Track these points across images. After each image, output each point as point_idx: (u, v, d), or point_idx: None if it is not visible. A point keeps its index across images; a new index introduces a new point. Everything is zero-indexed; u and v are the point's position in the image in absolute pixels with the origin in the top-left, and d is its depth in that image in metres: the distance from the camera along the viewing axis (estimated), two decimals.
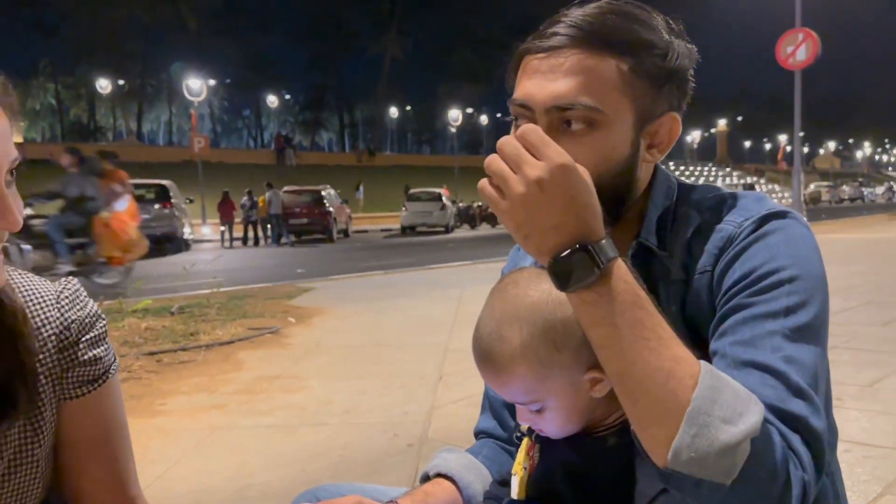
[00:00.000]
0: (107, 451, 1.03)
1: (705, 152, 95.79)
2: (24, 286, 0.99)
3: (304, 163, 48.79)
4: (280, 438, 3.19)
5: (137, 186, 18.82)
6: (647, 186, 1.03)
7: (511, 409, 1.22)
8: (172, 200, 18.36)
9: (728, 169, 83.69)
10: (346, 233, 24.26)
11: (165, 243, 17.86)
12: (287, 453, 2.99)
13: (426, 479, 1.15)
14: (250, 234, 21.88)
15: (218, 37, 64.07)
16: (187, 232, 19.42)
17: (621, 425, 0.96)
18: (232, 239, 21.63)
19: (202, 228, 24.91)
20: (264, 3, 79.58)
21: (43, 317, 0.98)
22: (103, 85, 56.33)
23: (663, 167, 1.05)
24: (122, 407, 1.06)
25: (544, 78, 0.93)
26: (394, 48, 71.85)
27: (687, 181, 1.08)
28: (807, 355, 0.83)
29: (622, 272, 0.81)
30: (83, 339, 1.00)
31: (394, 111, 73.83)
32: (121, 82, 59.78)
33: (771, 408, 0.79)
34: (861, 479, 2.50)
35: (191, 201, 22.37)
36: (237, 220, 21.86)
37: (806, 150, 78.77)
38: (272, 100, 71.56)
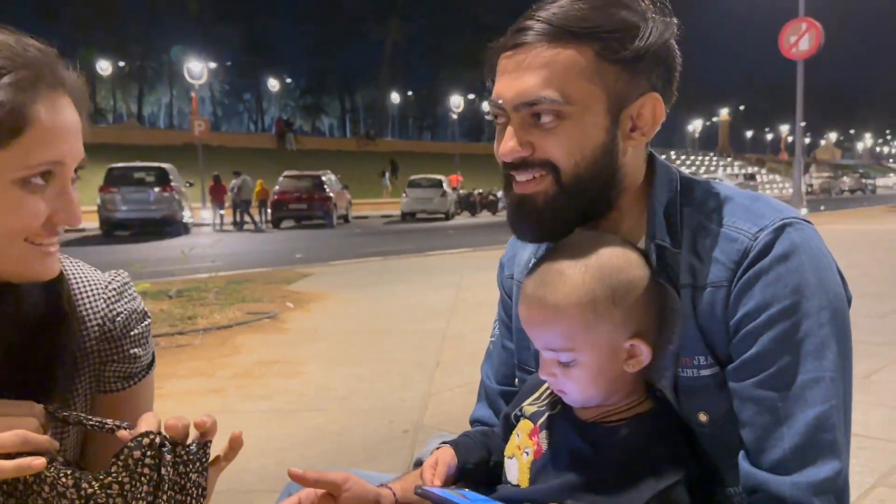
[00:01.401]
0: None
1: (707, 141, 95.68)
2: (74, 274, 1.00)
3: (305, 148, 48.67)
4: (277, 423, 3.21)
5: (138, 169, 18.91)
6: (647, 180, 1.01)
7: (508, 398, 1.21)
8: (172, 184, 18.33)
9: (729, 159, 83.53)
10: (346, 218, 24.24)
11: (165, 226, 17.88)
12: (284, 438, 3.00)
13: (418, 464, 1.15)
14: (238, 217, 22.07)
15: (219, 19, 63.80)
16: (187, 215, 19.40)
17: (634, 416, 0.96)
18: (222, 223, 21.72)
19: (202, 212, 24.87)
20: None
21: (89, 307, 0.99)
22: (104, 67, 56.06)
23: (662, 159, 1.04)
24: (152, 405, 1.07)
25: (511, 76, 0.94)
26: (396, 33, 71.48)
27: (686, 173, 1.06)
28: (828, 406, 0.86)
29: None
30: (128, 334, 1.01)
31: (395, 97, 73.57)
32: (121, 64, 59.53)
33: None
34: (854, 469, 2.51)
35: (191, 185, 22.33)
36: (227, 203, 21.99)
37: (807, 140, 78.61)
38: (273, 83, 71.27)
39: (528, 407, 1.07)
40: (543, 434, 1.01)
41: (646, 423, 0.96)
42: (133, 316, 1.02)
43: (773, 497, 0.85)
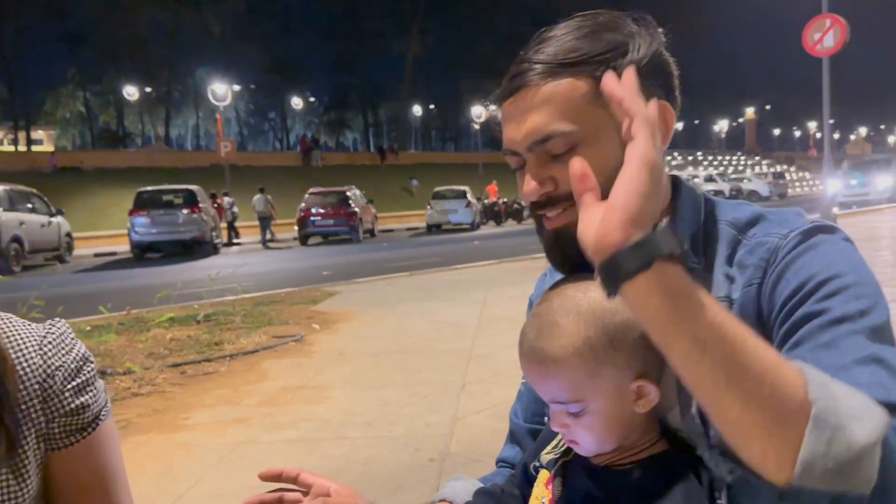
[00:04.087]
0: (101, 498, 0.99)
1: (733, 141, 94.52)
2: (5, 330, 0.96)
3: (329, 163, 49.04)
4: (302, 453, 3.18)
5: (166, 192, 19.23)
6: (671, 200, 1.00)
7: (536, 436, 1.19)
8: (200, 205, 18.58)
9: (757, 158, 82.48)
10: (372, 232, 24.36)
11: (194, 248, 18.10)
12: (308, 469, 2.97)
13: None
14: (236, 236, 22.92)
15: (242, 41, 64.69)
16: (215, 236, 19.65)
17: (647, 458, 0.94)
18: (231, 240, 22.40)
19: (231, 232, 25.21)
20: (286, 6, 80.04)
21: (25, 364, 0.94)
22: (130, 92, 57.17)
23: (688, 182, 1.03)
24: (118, 452, 1.02)
25: (517, 121, 0.95)
26: (416, 46, 71.92)
27: (711, 196, 1.04)
28: (891, 353, 0.79)
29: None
30: (68, 386, 0.96)
31: (417, 109, 73.94)
32: (148, 89, 60.64)
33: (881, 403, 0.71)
34: None
35: (219, 206, 22.66)
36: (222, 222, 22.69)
37: (837, 136, 77.43)
38: (297, 102, 72.08)
39: (545, 456, 1.06)
40: (557, 481, 0.99)
41: (659, 465, 0.93)
42: (72, 366, 0.97)
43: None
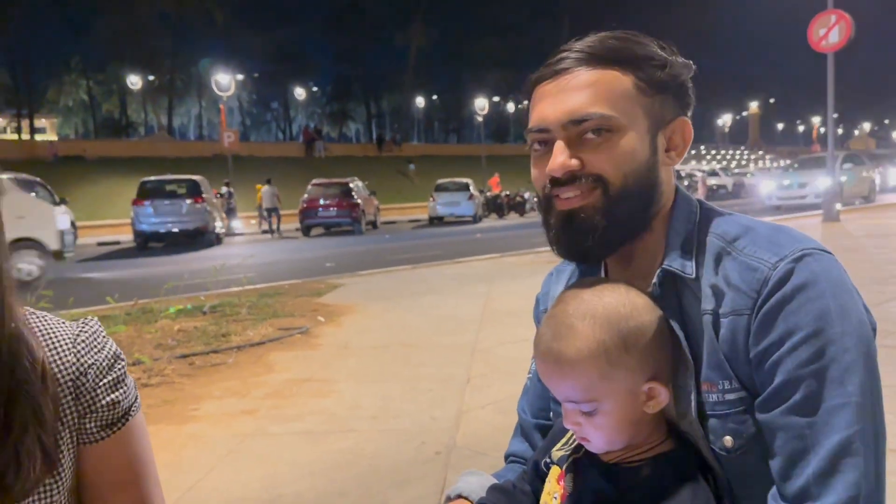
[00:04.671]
0: (132, 491, 1.02)
1: (737, 135, 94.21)
2: (40, 328, 0.98)
3: (332, 154, 49.00)
4: (309, 446, 3.24)
5: (169, 182, 19.26)
6: (669, 209, 1.04)
7: (544, 431, 1.23)
8: (203, 195, 18.61)
9: (761, 152, 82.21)
10: (374, 224, 24.39)
11: (198, 237, 18.15)
12: (316, 462, 3.03)
13: (448, 500, 1.17)
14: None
15: (245, 30, 64.60)
16: (218, 226, 19.69)
17: (655, 456, 0.98)
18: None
19: (233, 222, 25.25)
20: None
21: (59, 362, 0.96)
22: (134, 81, 57.09)
23: (684, 191, 1.07)
24: (148, 446, 1.05)
25: (556, 98, 0.99)
26: (419, 38, 71.67)
27: (708, 203, 1.08)
28: (852, 431, 0.86)
29: None
30: (100, 383, 0.99)
31: (420, 101, 73.72)
32: (151, 78, 60.53)
33: None
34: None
35: (221, 196, 22.70)
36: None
37: (840, 131, 77.08)
38: (300, 92, 71.92)
39: (556, 452, 1.10)
40: (569, 477, 1.04)
41: (667, 463, 0.98)
42: (104, 363, 1.00)
43: None
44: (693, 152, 75.95)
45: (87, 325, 1.01)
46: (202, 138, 65.94)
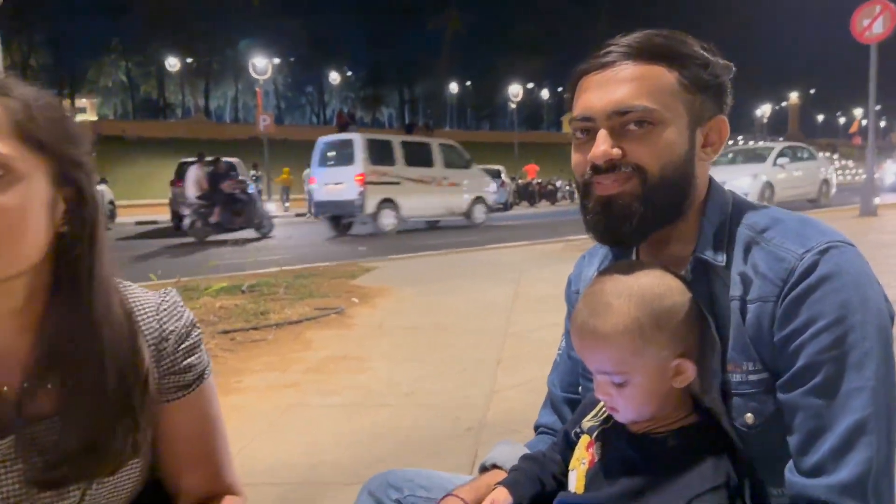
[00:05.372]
0: (203, 446, 1.12)
1: (776, 126, 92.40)
2: (129, 297, 1.08)
3: None
4: (347, 418, 3.39)
5: (206, 163, 19.59)
6: (702, 200, 1.11)
7: (572, 405, 1.33)
8: (239, 178, 18.88)
9: (801, 144, 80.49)
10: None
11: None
12: (354, 432, 3.18)
13: (483, 469, 1.26)
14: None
15: (281, 14, 64.93)
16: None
17: (680, 428, 1.05)
18: None
19: (267, 204, 25.60)
20: None
21: (143, 327, 1.06)
22: (172, 63, 57.83)
23: (718, 183, 1.13)
24: (217, 405, 1.15)
25: (601, 89, 1.05)
26: (454, 22, 71.32)
27: (738, 195, 1.14)
28: (867, 413, 0.94)
29: None
30: (179, 348, 1.08)
31: (453, 86, 73.48)
32: (188, 60, 61.23)
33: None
34: None
35: (257, 178, 23.02)
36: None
37: (883, 123, 75.09)
38: (334, 77, 72.21)
39: (587, 422, 1.17)
40: (598, 445, 1.11)
41: (691, 435, 1.04)
42: (183, 330, 1.09)
43: (809, 501, 0.94)
44: (730, 142, 74.68)
45: (167, 295, 1.12)
46: (238, 121, 66.65)
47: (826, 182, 18.43)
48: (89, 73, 67.10)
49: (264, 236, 15.40)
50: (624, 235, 1.09)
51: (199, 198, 14.73)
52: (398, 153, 16.06)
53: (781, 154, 17.67)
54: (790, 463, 0.99)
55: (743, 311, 1.02)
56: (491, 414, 3.37)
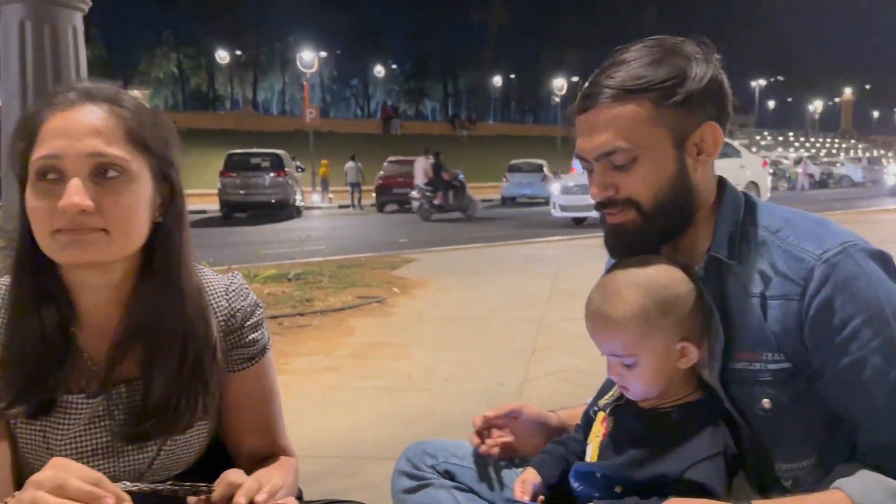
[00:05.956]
0: (264, 411, 1.24)
1: (828, 122, 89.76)
2: (202, 279, 1.18)
3: (408, 132, 49.39)
4: (388, 400, 3.60)
5: (254, 155, 20.00)
6: (716, 202, 1.19)
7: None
8: (286, 169, 19.26)
9: (853, 141, 78.20)
10: None
11: (279, 210, 18.84)
12: (394, 414, 3.39)
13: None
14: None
15: (327, 7, 65.51)
16: (298, 199, 20.35)
17: (684, 404, 1.17)
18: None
19: (312, 196, 26.01)
20: None
21: (214, 305, 1.17)
22: (222, 55, 58.86)
23: (732, 185, 1.22)
24: (275, 378, 1.27)
25: (587, 135, 1.16)
26: (499, 14, 71.00)
27: (751, 196, 1.22)
28: None
29: None
30: (245, 325, 1.19)
31: (497, 79, 73.27)
32: (237, 52, 62.23)
33: None
34: None
35: (302, 170, 23.38)
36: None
37: None
38: (379, 69, 72.64)
39: (602, 401, 1.30)
40: (610, 420, 1.24)
41: (694, 409, 1.16)
42: (248, 309, 1.20)
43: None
44: (780, 138, 72.83)
45: (235, 277, 1.25)
46: (284, 113, 67.57)
47: (754, 185, 14.23)
48: (141, 65, 68.77)
49: (469, 218, 17.41)
50: (632, 254, 1.21)
51: (426, 184, 17.50)
52: None
53: None
54: (861, 446, 1.06)
55: (763, 307, 1.09)
56: (524, 400, 3.52)
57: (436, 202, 17.56)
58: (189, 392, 1.11)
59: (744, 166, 14.39)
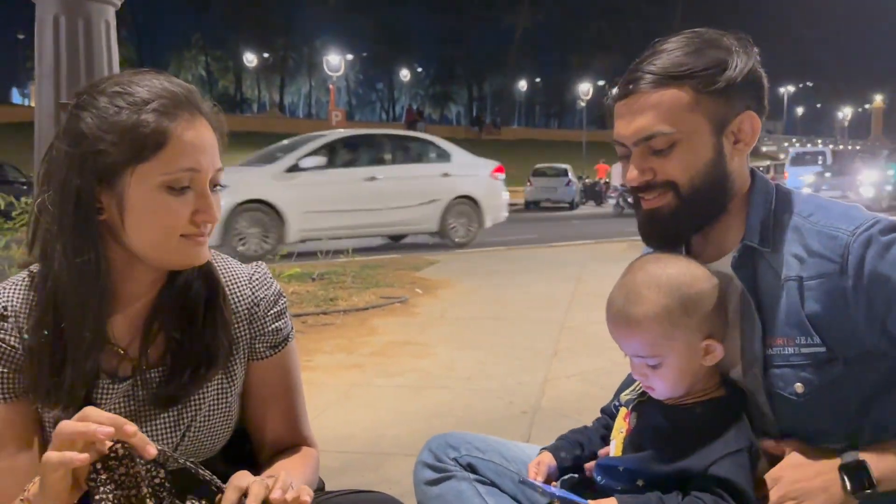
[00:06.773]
0: (286, 400, 1.26)
1: (858, 129, 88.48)
2: (224, 268, 1.20)
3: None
4: (409, 397, 3.61)
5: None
6: (748, 191, 1.20)
7: None
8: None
9: (885, 152, 76.79)
10: None
11: None
12: (415, 411, 3.39)
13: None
14: None
15: (354, 11, 65.99)
16: None
17: (707, 400, 1.17)
18: None
19: None
20: None
21: (238, 294, 1.19)
22: (249, 58, 59.53)
23: (762, 174, 1.22)
24: (298, 366, 1.28)
25: (626, 119, 1.18)
26: (525, 19, 71.00)
27: (782, 185, 1.23)
28: None
29: None
30: (269, 313, 1.21)
31: (522, 84, 73.21)
32: (265, 55, 62.89)
33: None
34: None
35: None
36: None
37: None
38: (405, 73, 72.97)
39: (624, 396, 1.31)
40: (633, 415, 1.24)
41: (718, 405, 1.16)
42: (272, 298, 1.21)
43: None
44: (809, 145, 71.91)
45: (259, 267, 1.26)
46: (310, 116, 68.13)
47: (470, 200, 10.62)
48: (170, 67, 69.88)
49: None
50: (670, 240, 1.23)
51: (622, 185, 18.27)
52: None
53: (328, 149, 9.79)
54: None
55: (801, 290, 1.10)
56: (545, 399, 3.53)
57: (630, 200, 18.31)
58: (212, 338, 1.14)
59: (449, 174, 10.45)
